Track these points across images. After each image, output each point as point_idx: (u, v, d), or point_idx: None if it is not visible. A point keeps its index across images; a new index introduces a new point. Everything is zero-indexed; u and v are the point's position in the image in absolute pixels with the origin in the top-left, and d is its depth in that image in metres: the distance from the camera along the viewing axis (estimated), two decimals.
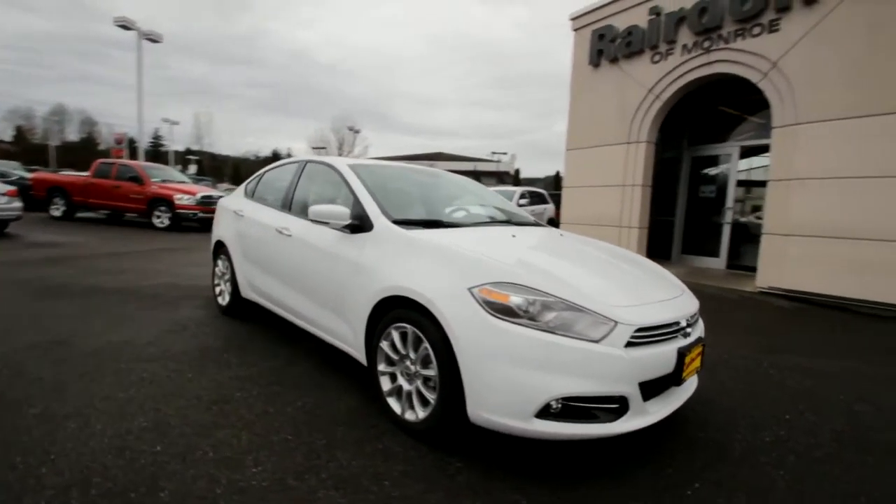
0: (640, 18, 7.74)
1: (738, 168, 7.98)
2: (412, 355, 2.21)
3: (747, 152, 8.16)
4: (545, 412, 1.84)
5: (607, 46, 8.26)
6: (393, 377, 2.35)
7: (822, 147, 5.82)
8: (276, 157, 72.83)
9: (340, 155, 27.49)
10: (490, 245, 2.40)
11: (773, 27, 6.15)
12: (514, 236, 2.69)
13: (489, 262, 2.10)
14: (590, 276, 2.25)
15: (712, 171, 8.55)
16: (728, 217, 8.04)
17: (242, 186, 4.31)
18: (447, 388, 2.02)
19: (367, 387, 2.74)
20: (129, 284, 5.14)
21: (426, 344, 2.10)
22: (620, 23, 8.07)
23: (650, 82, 7.67)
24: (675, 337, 2.08)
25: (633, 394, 1.89)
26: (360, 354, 2.57)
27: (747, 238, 8.17)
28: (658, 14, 7.47)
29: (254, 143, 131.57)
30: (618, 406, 1.89)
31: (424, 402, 2.17)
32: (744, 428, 2.48)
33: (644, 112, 7.83)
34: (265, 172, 4.12)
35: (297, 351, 3.30)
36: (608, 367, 1.84)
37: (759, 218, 8.41)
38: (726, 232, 8.08)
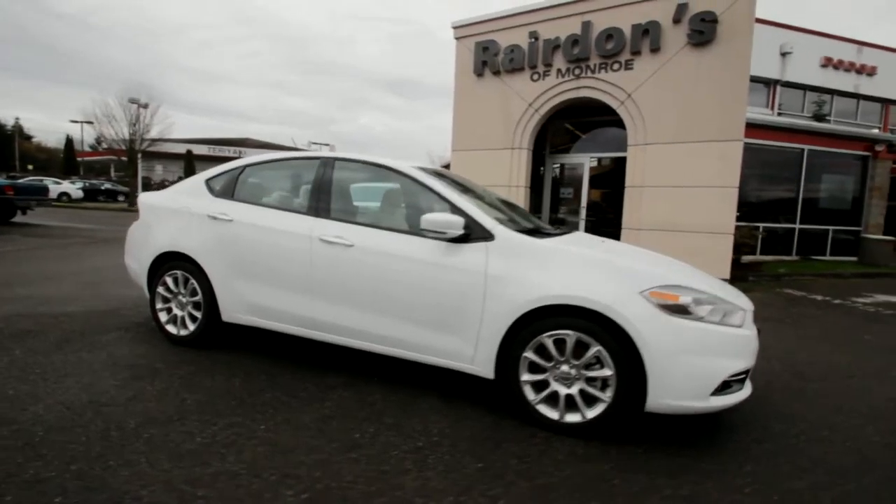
0: (521, 39, 8.72)
1: (589, 175, 9.79)
2: (573, 360, 2.31)
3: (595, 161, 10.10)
4: (715, 390, 2.22)
5: (491, 59, 9.03)
6: (539, 385, 2.40)
7: (661, 163, 7.70)
8: None
9: (133, 132, 22.00)
10: (610, 252, 2.64)
11: (628, 66, 7.79)
12: (602, 241, 2.98)
13: (645, 268, 2.37)
14: (692, 274, 2.71)
15: (569, 176, 10.25)
16: (583, 214, 9.81)
17: (201, 184, 3.43)
18: (625, 385, 2.21)
19: (481, 399, 2.67)
20: None
21: (598, 347, 2.24)
22: (502, 40, 8.92)
23: (530, 97, 8.74)
24: None
25: (753, 365, 2.44)
26: (481, 368, 2.50)
27: (597, 231, 10.13)
28: (536, 38, 8.55)
29: None
30: (744, 376, 2.40)
31: (589, 401, 2.31)
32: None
33: (525, 123, 8.88)
34: (245, 168, 3.37)
35: (346, 374, 2.92)
36: (750, 347, 2.33)
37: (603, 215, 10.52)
38: (582, 227, 9.83)
